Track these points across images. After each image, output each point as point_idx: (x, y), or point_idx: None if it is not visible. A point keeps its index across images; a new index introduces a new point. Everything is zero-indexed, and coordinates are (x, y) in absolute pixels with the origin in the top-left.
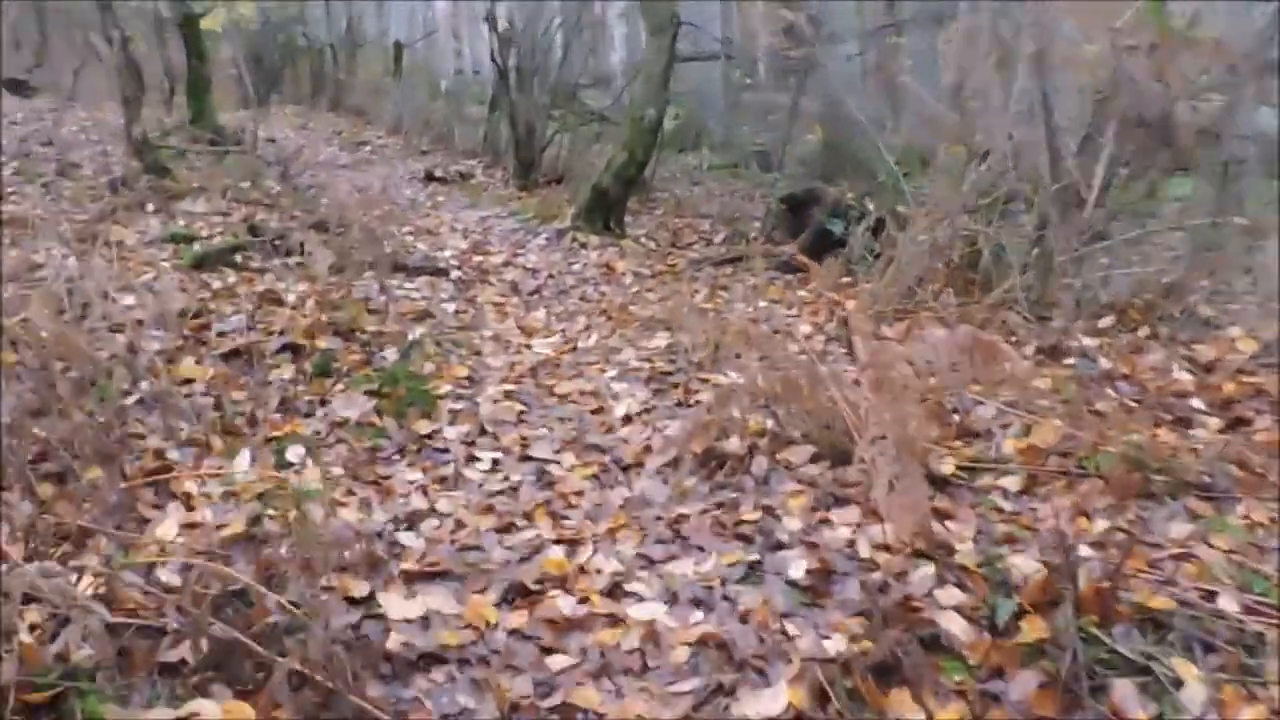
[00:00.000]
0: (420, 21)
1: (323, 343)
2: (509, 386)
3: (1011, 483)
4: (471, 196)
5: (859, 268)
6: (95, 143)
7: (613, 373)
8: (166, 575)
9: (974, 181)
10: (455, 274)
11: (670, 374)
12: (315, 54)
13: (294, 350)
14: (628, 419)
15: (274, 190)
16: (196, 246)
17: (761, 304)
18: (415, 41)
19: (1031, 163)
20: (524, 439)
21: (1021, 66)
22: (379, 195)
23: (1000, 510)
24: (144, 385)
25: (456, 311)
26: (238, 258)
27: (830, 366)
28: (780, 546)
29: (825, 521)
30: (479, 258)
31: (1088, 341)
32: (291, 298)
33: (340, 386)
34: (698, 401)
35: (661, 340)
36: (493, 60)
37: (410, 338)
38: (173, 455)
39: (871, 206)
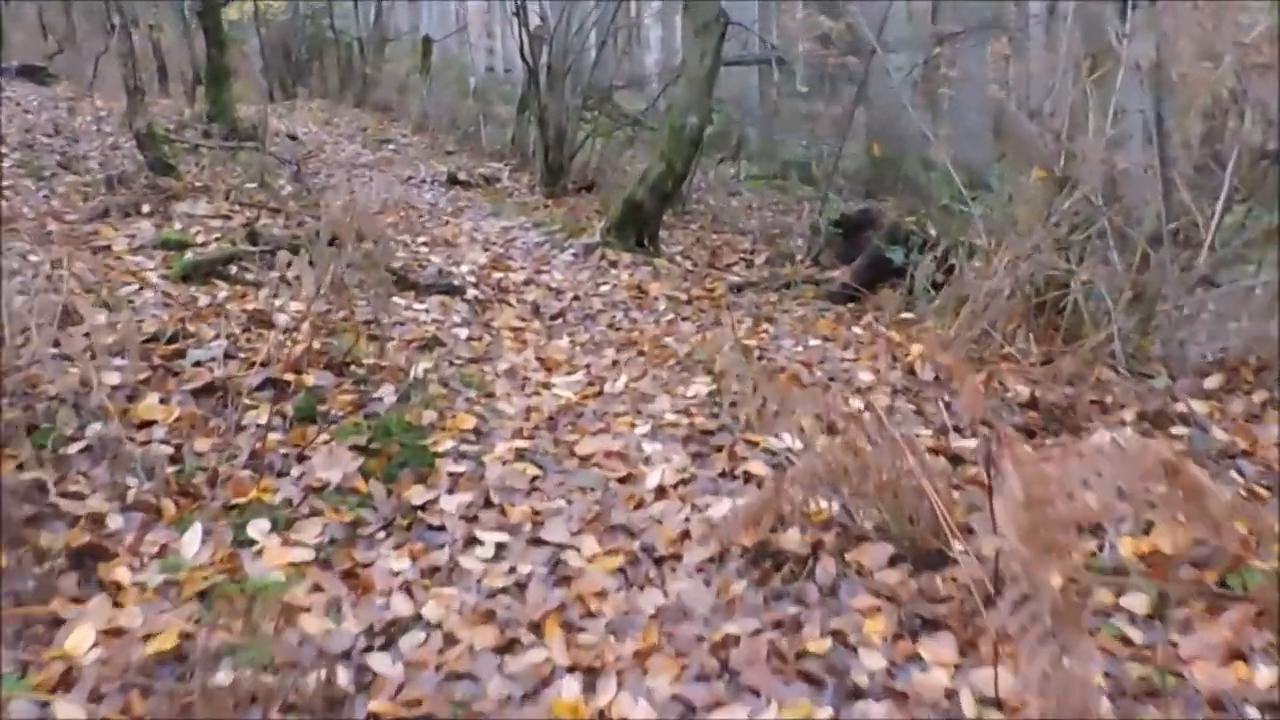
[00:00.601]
0: (454, 18)
1: (310, 378)
2: (522, 443)
3: (1138, 603)
4: (495, 203)
5: (920, 301)
6: (108, 134)
7: (644, 428)
8: (66, 710)
9: (1063, 212)
10: (472, 292)
11: (712, 434)
12: (343, 48)
13: (276, 387)
14: (661, 491)
15: (284, 191)
16: (189, 254)
17: (812, 342)
18: (444, 37)
19: (1130, 194)
20: (536, 514)
21: (1120, 81)
22: (395, 201)
23: (1128, 643)
24: (94, 429)
25: (469, 339)
26: (232, 268)
27: (901, 430)
28: (858, 694)
29: (914, 658)
30: (499, 274)
31: (1196, 406)
32: (284, 318)
33: (325, 437)
34: (746, 473)
35: (701, 386)
36: (522, 58)
37: (412, 374)
38: (113, 522)
39: (933, 232)
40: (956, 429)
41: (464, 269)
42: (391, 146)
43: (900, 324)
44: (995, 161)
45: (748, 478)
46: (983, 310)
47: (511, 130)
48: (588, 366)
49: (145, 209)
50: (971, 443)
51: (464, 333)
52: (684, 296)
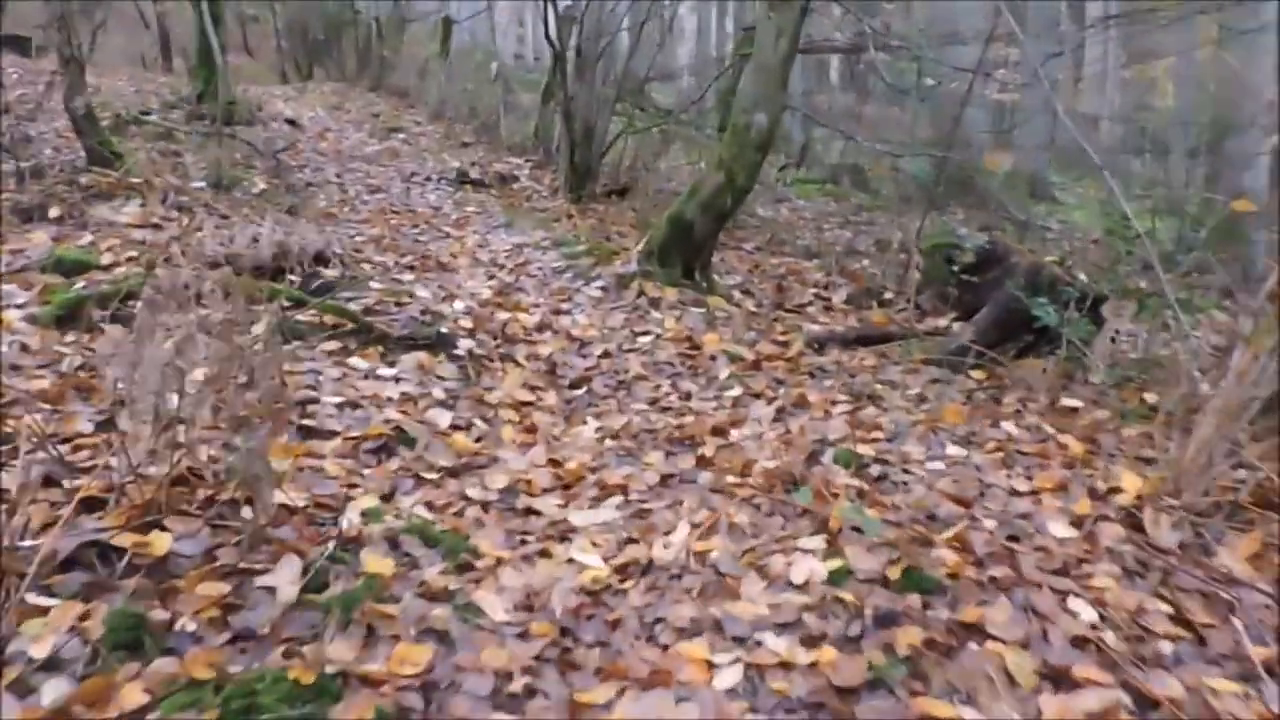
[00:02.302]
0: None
1: (165, 540)
2: None
3: None
4: (509, 210)
5: (1083, 373)
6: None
7: (730, 673)
8: None
9: None
10: (465, 344)
11: (856, 696)
12: (362, 28)
13: (103, 558)
14: None
15: (254, 190)
16: (79, 285)
17: (949, 448)
18: (467, 19)
19: None
20: None
21: None
22: (388, 205)
23: None
24: None
25: (452, 427)
26: (126, 308)
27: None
28: None
29: None
30: (505, 314)
31: None
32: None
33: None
34: None
35: (813, 560)
36: (548, 40)
37: (341, 526)
38: None
39: (1082, 276)
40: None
41: (458, 307)
42: (402, 136)
43: (1063, 415)
44: (1051, 171)
45: None
46: (1230, 421)
47: (535, 122)
48: (624, 487)
49: (53, 212)
50: None
51: (445, 418)
52: (749, 354)
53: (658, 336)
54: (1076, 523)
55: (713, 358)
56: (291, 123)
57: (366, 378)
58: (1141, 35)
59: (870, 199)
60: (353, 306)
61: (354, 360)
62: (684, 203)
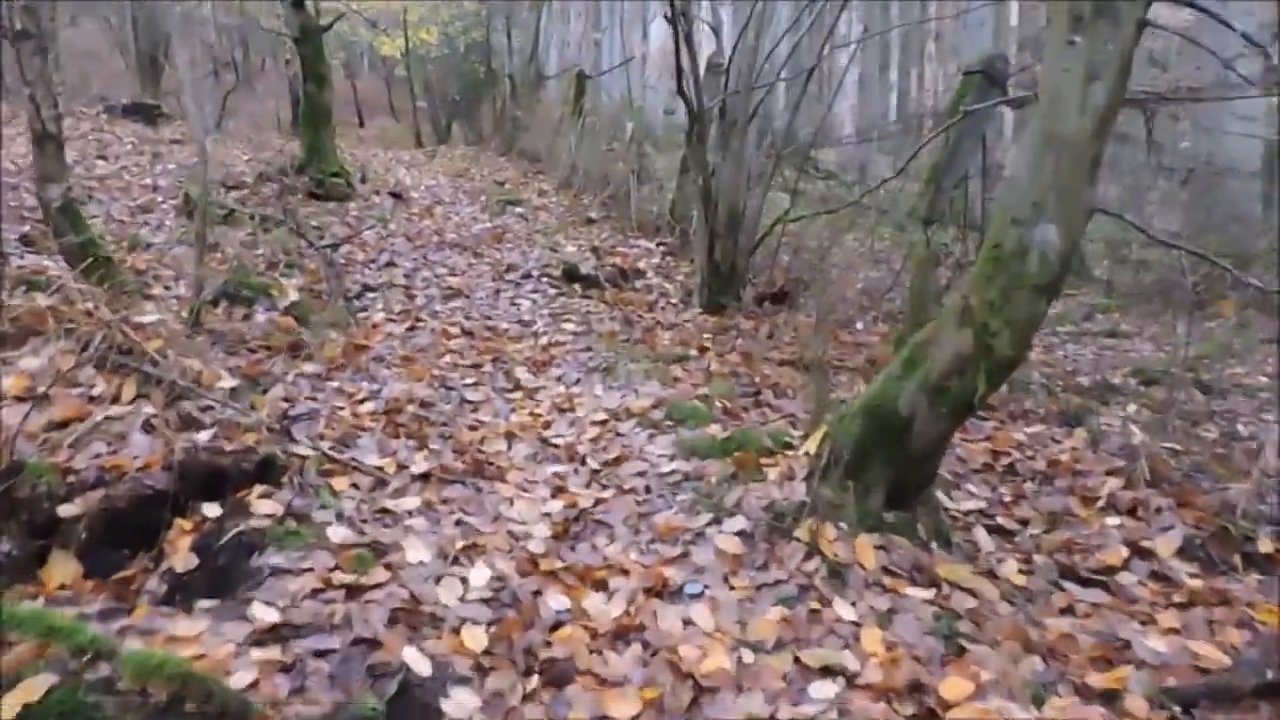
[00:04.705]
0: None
1: None
2: None
3: None
4: (614, 341)
5: None
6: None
7: None
8: None
9: None
10: (461, 703)
11: None
12: (499, 87)
13: None
14: None
15: (280, 304)
16: None
17: None
18: (603, 73)
19: None
20: None
21: None
22: (448, 326)
23: None
24: None
25: None
26: None
27: None
28: None
29: None
30: (560, 595)
31: None
32: None
33: None
34: None
35: None
36: (681, 95)
37: None
38: None
39: None
40: None
41: (478, 580)
42: (519, 210)
43: None
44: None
45: None
46: None
47: (671, 196)
48: None
49: None
50: None
51: None
52: None
53: (849, 681)
54: None
55: None
56: (396, 195)
57: None
58: None
59: (1107, 298)
60: (255, 612)
61: None
62: (894, 381)
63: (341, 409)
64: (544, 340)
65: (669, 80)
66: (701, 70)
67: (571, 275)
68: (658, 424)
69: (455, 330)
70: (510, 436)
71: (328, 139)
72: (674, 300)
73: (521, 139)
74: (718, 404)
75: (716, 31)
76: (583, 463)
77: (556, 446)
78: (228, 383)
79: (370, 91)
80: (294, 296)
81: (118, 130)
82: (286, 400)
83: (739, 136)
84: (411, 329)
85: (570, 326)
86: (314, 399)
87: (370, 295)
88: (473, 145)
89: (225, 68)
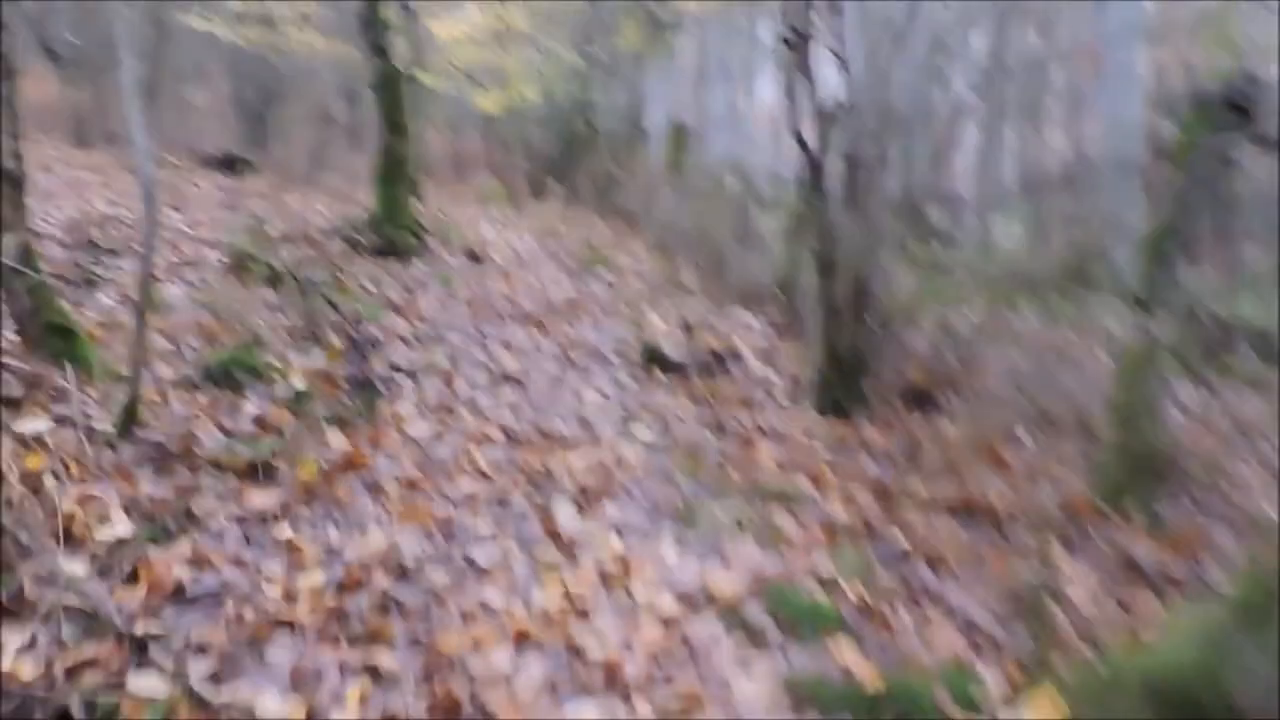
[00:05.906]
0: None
1: None
2: None
3: None
4: (700, 464)
5: None
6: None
7: None
8: None
9: None
10: None
11: None
12: (598, 142)
13: None
14: None
15: (291, 387)
16: None
17: None
18: (706, 126)
19: None
20: None
21: None
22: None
23: None
24: None
25: None
26: None
27: None
28: None
29: None
30: None
31: None
32: None
33: None
34: None
35: None
36: (799, 143)
37: None
38: None
39: None
40: None
41: None
42: (608, 275)
43: None
44: None
45: None
46: None
47: (779, 260)
48: None
49: None
50: None
51: None
52: None
53: None
54: None
55: None
56: (473, 255)
57: None
58: None
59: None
60: None
61: None
62: (1210, 640)
63: (268, 584)
64: (605, 454)
65: (777, 139)
66: (825, 108)
67: (653, 358)
68: (754, 631)
69: (495, 434)
70: (521, 641)
71: (403, 192)
72: (779, 396)
73: (618, 196)
74: (849, 593)
75: (845, 63)
76: (628, 700)
77: (590, 664)
78: (116, 530)
79: (470, 147)
80: (299, 384)
81: (199, 180)
82: (193, 562)
83: (870, 193)
84: (440, 431)
85: (643, 433)
86: (237, 563)
87: (400, 379)
88: (568, 202)
89: (327, 122)
